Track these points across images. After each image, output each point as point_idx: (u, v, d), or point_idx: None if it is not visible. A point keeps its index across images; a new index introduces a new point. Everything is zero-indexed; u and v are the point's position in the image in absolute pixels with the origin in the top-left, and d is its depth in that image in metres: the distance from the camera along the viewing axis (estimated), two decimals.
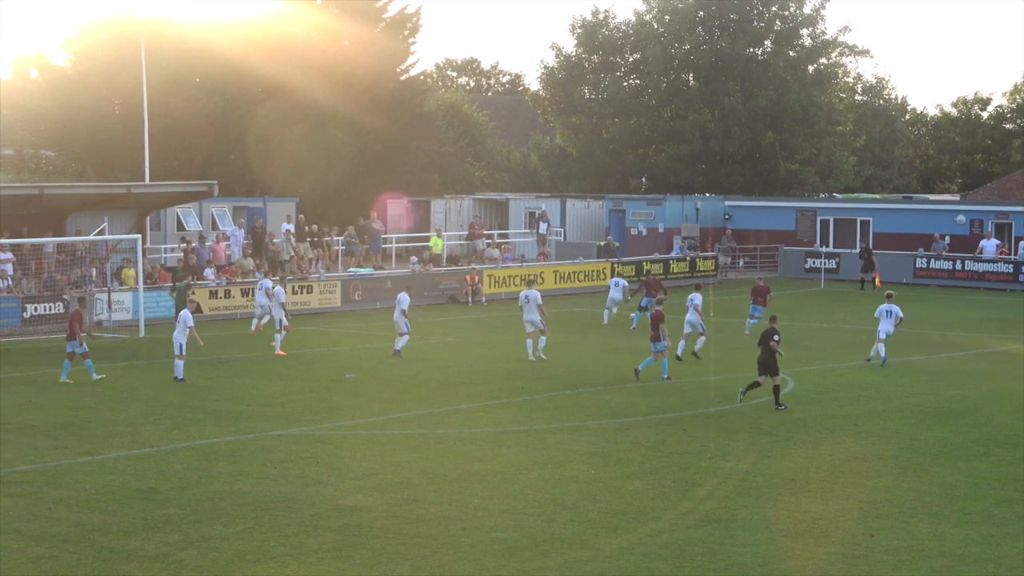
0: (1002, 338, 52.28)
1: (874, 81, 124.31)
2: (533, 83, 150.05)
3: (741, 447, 30.43)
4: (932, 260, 74.72)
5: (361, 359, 44.95)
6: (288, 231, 67.19)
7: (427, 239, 74.70)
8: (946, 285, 72.91)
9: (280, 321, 46.14)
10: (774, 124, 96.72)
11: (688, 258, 75.94)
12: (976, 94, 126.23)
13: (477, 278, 64.85)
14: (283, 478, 27.02)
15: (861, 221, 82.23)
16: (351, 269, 66.19)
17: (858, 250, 75.70)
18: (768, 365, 35.54)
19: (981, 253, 73.69)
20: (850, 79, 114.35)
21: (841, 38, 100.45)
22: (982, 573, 21.40)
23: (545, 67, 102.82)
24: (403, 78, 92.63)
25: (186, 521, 23.74)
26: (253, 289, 57.07)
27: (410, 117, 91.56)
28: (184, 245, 62.12)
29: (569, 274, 69.86)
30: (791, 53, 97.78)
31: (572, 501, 25.34)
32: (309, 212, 76.04)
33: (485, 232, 79.30)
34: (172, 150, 78.62)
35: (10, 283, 53.22)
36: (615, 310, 56.35)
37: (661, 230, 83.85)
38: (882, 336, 43.93)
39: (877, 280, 67.69)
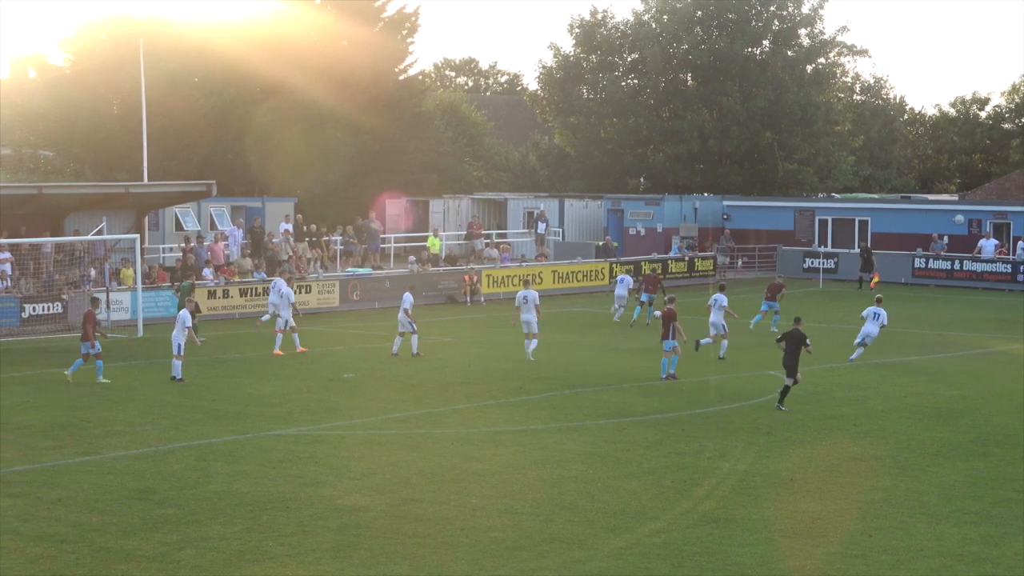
0: (1001, 338, 52.29)
1: (872, 81, 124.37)
2: (531, 83, 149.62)
3: (739, 447, 30.43)
4: (931, 260, 74.75)
5: (359, 359, 44.94)
6: (287, 231, 67.21)
7: (425, 239, 74.69)
8: (944, 285, 72.95)
9: (287, 321, 46.21)
10: (772, 124, 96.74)
11: (686, 258, 75.97)
12: (974, 94, 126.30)
13: (475, 278, 64.86)
14: (281, 478, 27.02)
15: (859, 221, 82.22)
16: (349, 269, 66.19)
17: (857, 249, 75.73)
18: (791, 368, 35.64)
19: (980, 253, 73.71)
20: (848, 79, 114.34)
21: (839, 38, 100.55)
22: (980, 573, 21.40)
23: (543, 67, 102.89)
24: (401, 78, 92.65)
25: (184, 521, 23.74)
26: (251, 289, 57.25)
27: (408, 117, 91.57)
28: (184, 245, 62.07)
29: (567, 274, 69.87)
30: (789, 53, 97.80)
31: (570, 501, 25.34)
32: (308, 212, 76.04)
33: (483, 232, 79.32)
34: (170, 150, 78.62)
35: (8, 283, 53.20)
36: (622, 308, 56.55)
37: (659, 230, 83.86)
38: (866, 341, 44.14)
39: (875, 280, 67.67)
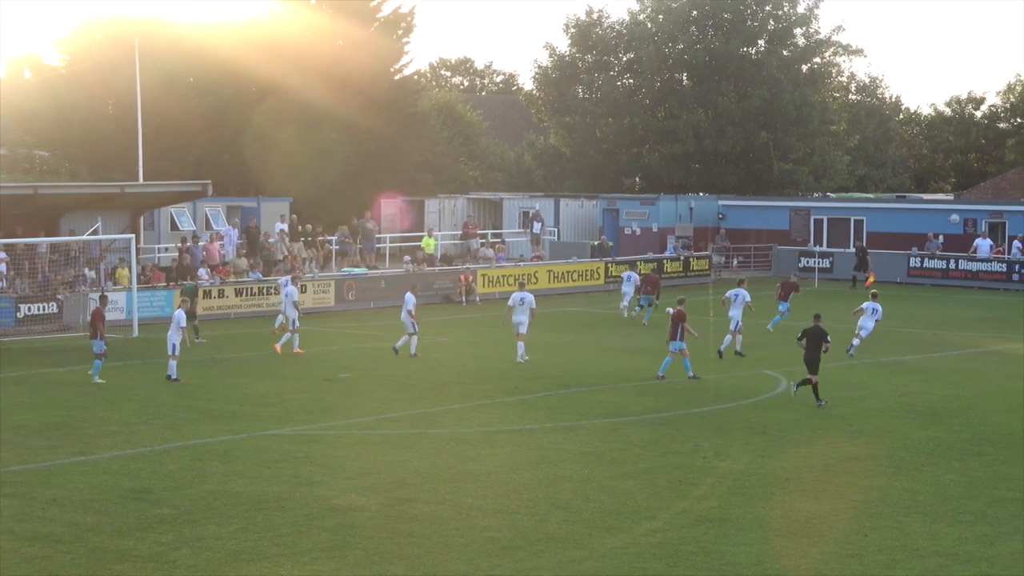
0: (996, 337, 52.33)
1: (868, 80, 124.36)
2: (527, 83, 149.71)
3: (735, 447, 30.44)
4: (926, 259, 74.81)
5: (355, 359, 44.95)
6: (282, 231, 67.20)
7: (421, 239, 74.66)
8: (940, 284, 73.02)
9: (293, 321, 46.30)
10: (768, 124, 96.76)
11: (682, 257, 75.99)
12: (970, 93, 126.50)
13: (471, 278, 64.88)
14: (277, 478, 27.01)
15: (855, 220, 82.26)
16: (345, 269, 66.18)
17: (853, 248, 75.76)
18: (811, 364, 35.89)
19: (975, 252, 73.75)
20: (844, 78, 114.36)
21: (835, 37, 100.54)
22: (976, 572, 21.41)
23: (539, 67, 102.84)
24: (397, 78, 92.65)
25: (180, 521, 23.73)
26: (247, 289, 57.30)
27: (404, 117, 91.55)
28: (180, 245, 62.04)
29: (563, 274, 69.88)
30: (785, 52, 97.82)
31: (566, 501, 25.34)
32: (304, 212, 76.05)
33: (479, 232, 79.35)
34: (166, 150, 78.58)
35: (4, 283, 53.17)
36: (627, 304, 57.04)
37: (655, 230, 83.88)
38: (861, 333, 44.60)
39: (871, 280, 67.68)
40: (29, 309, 51.82)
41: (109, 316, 51.97)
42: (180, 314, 39.99)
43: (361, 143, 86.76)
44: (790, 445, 30.81)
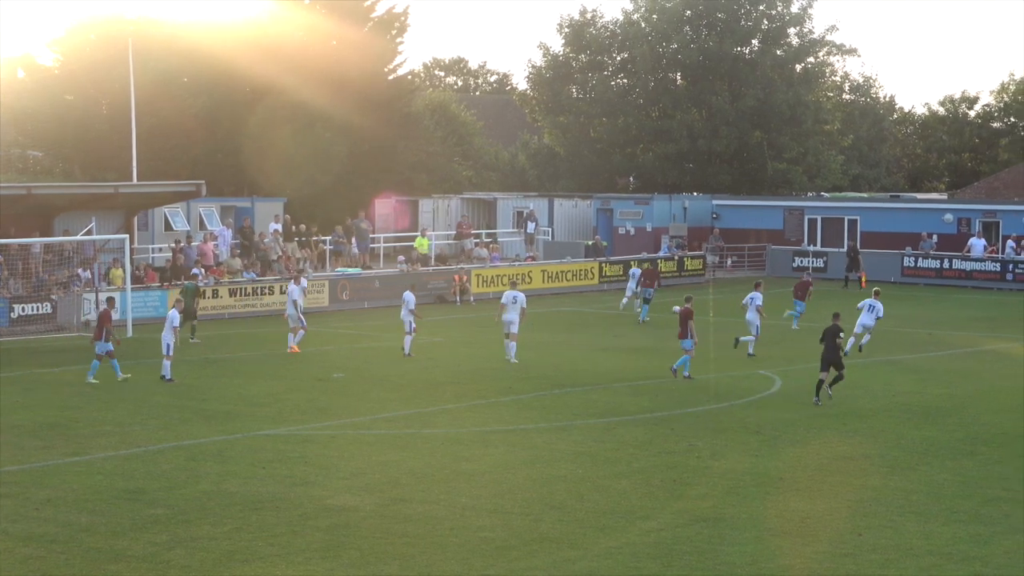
0: (990, 337, 52.38)
1: (861, 80, 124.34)
2: (521, 82, 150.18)
3: (729, 446, 30.45)
4: (920, 259, 74.86)
5: (349, 359, 44.94)
6: (276, 231, 67.18)
7: (415, 239, 74.63)
8: (934, 284, 73.11)
9: (291, 318, 46.45)
10: (762, 123, 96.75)
11: (676, 257, 76.00)
12: (963, 93, 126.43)
13: (465, 278, 64.87)
14: (271, 478, 27.01)
15: (849, 220, 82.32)
16: (339, 269, 66.15)
17: (845, 248, 75.82)
18: (833, 361, 36.11)
19: (969, 252, 73.81)
20: (837, 78, 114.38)
21: (828, 37, 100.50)
22: (969, 571, 21.43)
23: (533, 66, 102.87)
24: (391, 78, 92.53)
25: (174, 521, 23.72)
26: (240, 289, 57.30)
27: (398, 117, 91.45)
28: (173, 245, 62.00)
29: (557, 273, 69.89)
30: (778, 52, 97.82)
31: (560, 500, 25.35)
32: (298, 212, 75.99)
33: (473, 232, 79.34)
34: (160, 150, 78.49)
35: None
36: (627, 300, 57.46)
37: (649, 229, 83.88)
38: (858, 330, 44.71)
39: (863, 279, 67.82)
40: (23, 309, 51.78)
41: None
42: (174, 314, 39.98)
43: (355, 143, 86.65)
44: (784, 445, 30.82)
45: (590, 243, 79.03)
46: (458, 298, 63.83)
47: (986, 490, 26.56)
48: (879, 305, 45.61)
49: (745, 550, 22.23)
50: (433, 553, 21.95)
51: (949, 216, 79.45)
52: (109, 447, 30.12)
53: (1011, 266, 72.22)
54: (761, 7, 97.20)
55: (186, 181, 65.60)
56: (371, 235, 74.32)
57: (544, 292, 66.62)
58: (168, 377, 39.23)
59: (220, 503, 24.95)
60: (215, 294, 56.89)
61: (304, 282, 49.58)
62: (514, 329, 43.74)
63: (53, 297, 52.67)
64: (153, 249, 66.46)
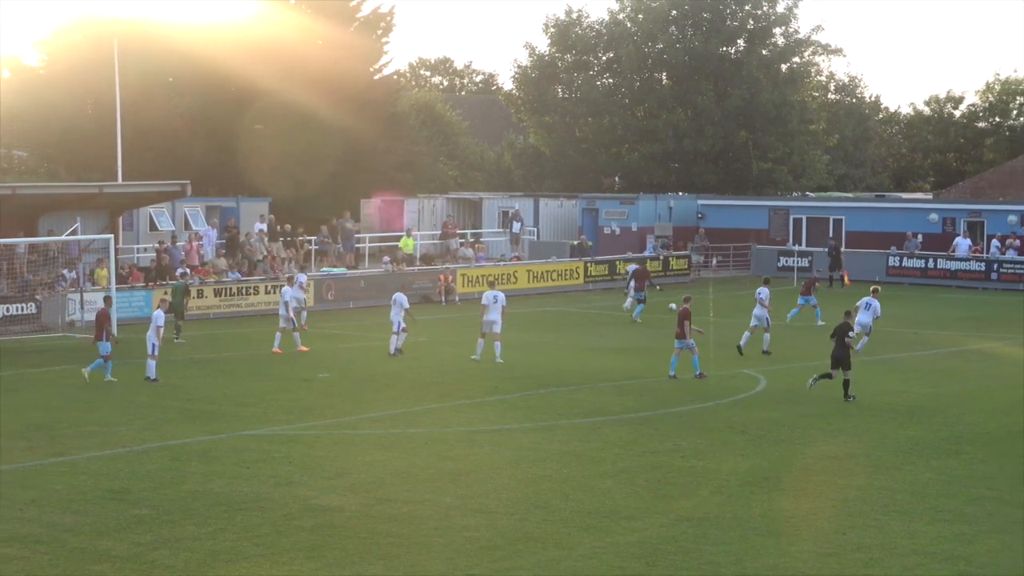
0: (975, 336, 52.46)
1: (847, 80, 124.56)
2: (506, 82, 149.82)
3: (714, 446, 30.46)
4: (905, 258, 74.99)
5: (334, 359, 44.91)
6: (261, 231, 67.14)
7: (400, 239, 74.61)
8: (919, 283, 73.22)
9: (292, 320, 46.47)
10: (747, 123, 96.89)
11: (661, 257, 76.04)
12: (948, 93, 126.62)
13: (450, 277, 64.85)
14: (256, 478, 26.98)
15: (834, 220, 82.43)
16: (324, 269, 66.13)
17: (826, 248, 75.92)
18: (842, 360, 36.28)
19: (954, 251, 73.93)
20: (823, 78, 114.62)
21: (814, 37, 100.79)
22: (954, 571, 21.45)
23: (518, 66, 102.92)
24: (376, 77, 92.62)
25: (158, 521, 23.69)
26: (226, 289, 57.25)
27: (383, 117, 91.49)
28: (158, 245, 61.93)
29: (542, 273, 69.89)
30: (764, 52, 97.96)
31: (545, 500, 25.34)
32: (283, 212, 75.94)
33: (458, 232, 79.34)
34: (145, 150, 78.47)
35: None
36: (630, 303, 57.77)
37: (634, 229, 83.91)
38: (857, 329, 44.72)
39: (846, 278, 67.93)
40: (7, 310, 51.67)
41: (88, 317, 52.10)
42: (159, 314, 39.92)
43: (340, 143, 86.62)
44: (769, 444, 30.83)
45: (576, 243, 79.04)
46: (443, 298, 63.82)
47: (971, 489, 26.58)
48: (874, 303, 45.79)
49: (730, 549, 22.24)
50: (418, 553, 21.93)
51: (934, 216, 79.59)
52: (94, 447, 30.06)
53: (996, 266, 72.37)
54: (747, 7, 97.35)
55: (171, 181, 65.53)
56: (356, 235, 74.28)
57: (529, 292, 66.62)
58: (153, 377, 39.16)
59: (205, 503, 24.92)
60: (200, 294, 56.79)
61: (301, 280, 49.58)
62: (497, 329, 43.71)
63: (38, 297, 52.57)
64: (138, 249, 66.40)
